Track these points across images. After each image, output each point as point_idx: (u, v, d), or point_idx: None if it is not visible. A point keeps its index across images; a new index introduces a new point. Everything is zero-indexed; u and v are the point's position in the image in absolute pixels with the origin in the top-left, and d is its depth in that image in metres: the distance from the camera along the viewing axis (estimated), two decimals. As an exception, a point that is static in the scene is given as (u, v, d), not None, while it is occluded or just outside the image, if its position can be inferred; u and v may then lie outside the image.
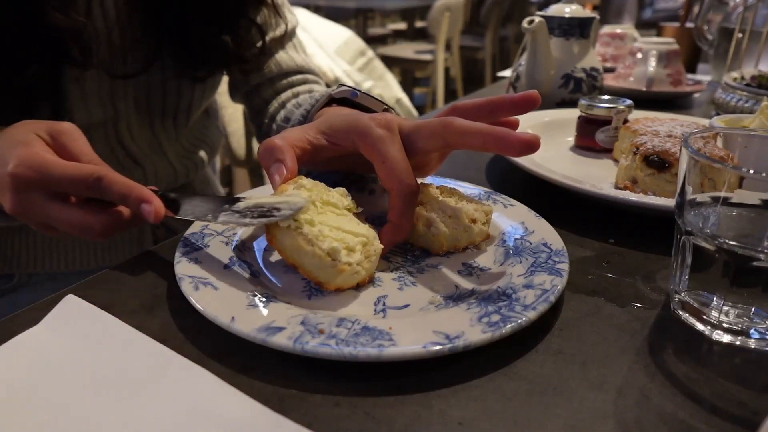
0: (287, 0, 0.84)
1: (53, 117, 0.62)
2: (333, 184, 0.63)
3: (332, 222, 0.45)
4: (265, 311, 0.40)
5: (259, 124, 0.85)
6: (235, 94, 0.86)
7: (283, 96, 0.81)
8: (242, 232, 0.53)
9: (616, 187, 0.68)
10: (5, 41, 0.56)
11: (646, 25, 3.81)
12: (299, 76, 0.83)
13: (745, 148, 0.47)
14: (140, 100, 0.71)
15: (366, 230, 0.47)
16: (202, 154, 0.85)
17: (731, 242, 0.39)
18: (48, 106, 0.61)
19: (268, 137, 0.82)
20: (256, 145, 1.62)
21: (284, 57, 0.82)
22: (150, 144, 0.75)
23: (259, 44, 0.75)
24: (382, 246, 0.47)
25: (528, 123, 0.86)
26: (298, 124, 0.68)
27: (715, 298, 0.42)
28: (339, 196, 0.49)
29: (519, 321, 0.39)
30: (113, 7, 0.64)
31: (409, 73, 4.41)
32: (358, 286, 0.46)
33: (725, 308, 0.41)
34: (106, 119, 0.69)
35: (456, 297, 0.45)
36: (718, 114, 0.97)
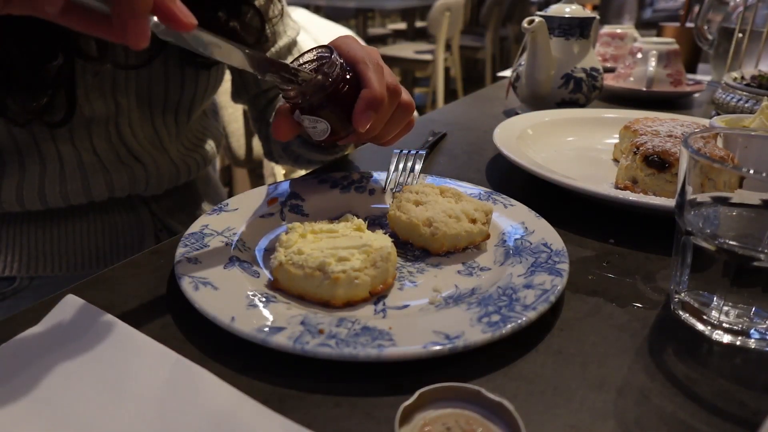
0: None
1: (68, 109, 0.62)
2: (333, 184, 0.63)
3: (326, 244, 0.46)
4: (265, 311, 0.40)
5: (261, 121, 0.86)
6: (240, 95, 0.86)
7: None
8: (242, 232, 0.53)
9: (616, 187, 0.68)
10: (20, 35, 0.56)
11: (646, 25, 3.81)
12: None
13: (746, 148, 0.47)
14: (142, 94, 0.72)
15: (372, 239, 0.47)
16: (204, 152, 0.85)
17: (731, 242, 0.39)
18: (64, 97, 0.62)
19: (268, 133, 0.83)
20: (256, 145, 1.62)
21: None
22: (151, 141, 0.75)
23: (262, 30, 0.76)
24: (392, 251, 0.46)
25: (528, 123, 0.86)
26: None
27: (715, 298, 0.42)
28: (344, 222, 0.50)
29: (519, 321, 0.39)
30: None
31: (409, 73, 4.41)
32: (373, 296, 0.45)
33: (725, 308, 0.41)
34: (108, 114, 0.69)
35: (456, 297, 0.45)
36: (718, 114, 0.97)
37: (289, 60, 0.84)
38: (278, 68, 0.48)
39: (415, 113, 0.62)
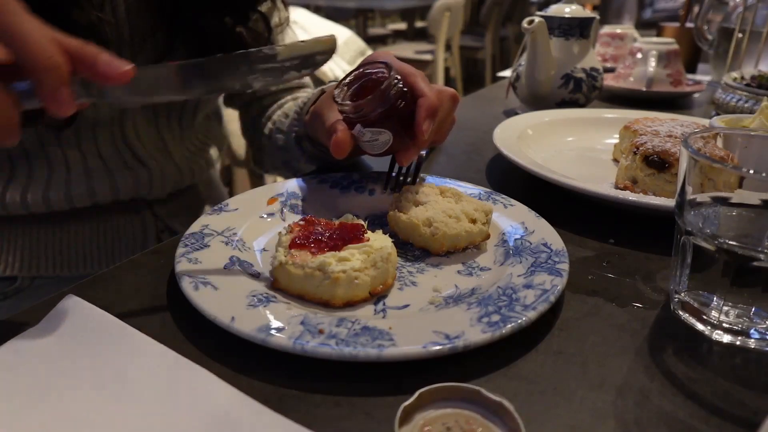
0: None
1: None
2: (333, 184, 0.63)
3: None
4: (265, 311, 0.40)
5: (253, 129, 0.86)
6: (233, 99, 0.87)
7: (283, 100, 0.84)
8: (242, 232, 0.53)
9: (616, 187, 0.68)
10: None
11: (646, 25, 3.81)
12: (301, 90, 0.86)
13: (745, 148, 0.47)
14: None
15: (372, 239, 0.47)
16: (208, 156, 0.85)
17: (731, 242, 0.39)
18: None
19: (261, 142, 0.84)
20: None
21: None
22: (155, 144, 0.75)
23: (266, 35, 0.76)
24: (392, 251, 0.46)
25: (528, 123, 0.86)
26: (293, 118, 0.74)
27: (715, 298, 0.42)
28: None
29: (519, 321, 0.39)
30: (123, 2, 0.64)
31: (409, 73, 4.39)
32: (373, 296, 0.45)
33: (725, 308, 0.41)
34: (113, 118, 0.69)
35: (456, 297, 0.45)
36: (718, 114, 0.97)
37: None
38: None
39: None
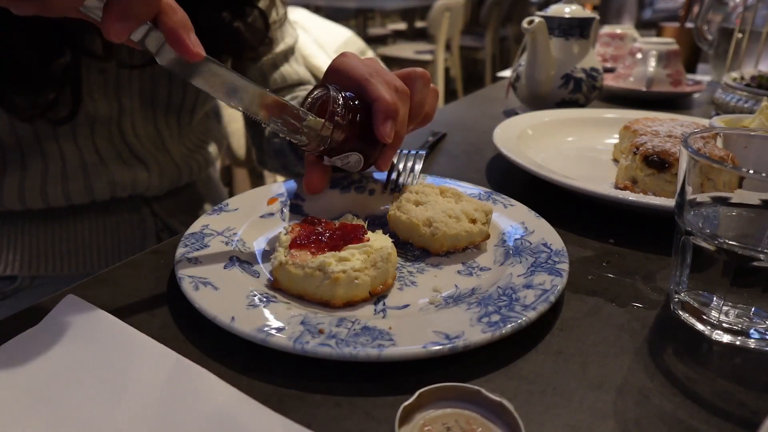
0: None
1: (74, 105, 0.62)
2: (333, 184, 0.63)
3: None
4: (265, 311, 0.40)
5: (254, 129, 0.86)
6: None
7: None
8: (242, 232, 0.53)
9: (616, 187, 0.68)
10: (30, 32, 0.56)
11: (646, 25, 3.81)
12: (301, 87, 0.85)
13: (745, 148, 0.47)
14: (145, 95, 0.72)
15: (372, 239, 0.47)
16: (206, 154, 0.85)
17: (731, 242, 0.39)
18: (69, 94, 0.62)
19: (262, 144, 0.84)
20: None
21: (288, 70, 0.85)
22: (153, 142, 0.75)
23: (264, 31, 0.76)
24: (392, 251, 0.47)
25: (528, 123, 0.86)
26: None
27: (715, 298, 0.42)
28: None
29: (519, 321, 0.39)
30: None
31: (409, 74, 4.39)
32: (373, 296, 0.45)
33: (725, 308, 0.41)
34: (111, 114, 0.69)
35: (456, 297, 0.45)
36: (718, 114, 0.97)
37: (285, 66, 0.84)
38: (287, 112, 0.47)
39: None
